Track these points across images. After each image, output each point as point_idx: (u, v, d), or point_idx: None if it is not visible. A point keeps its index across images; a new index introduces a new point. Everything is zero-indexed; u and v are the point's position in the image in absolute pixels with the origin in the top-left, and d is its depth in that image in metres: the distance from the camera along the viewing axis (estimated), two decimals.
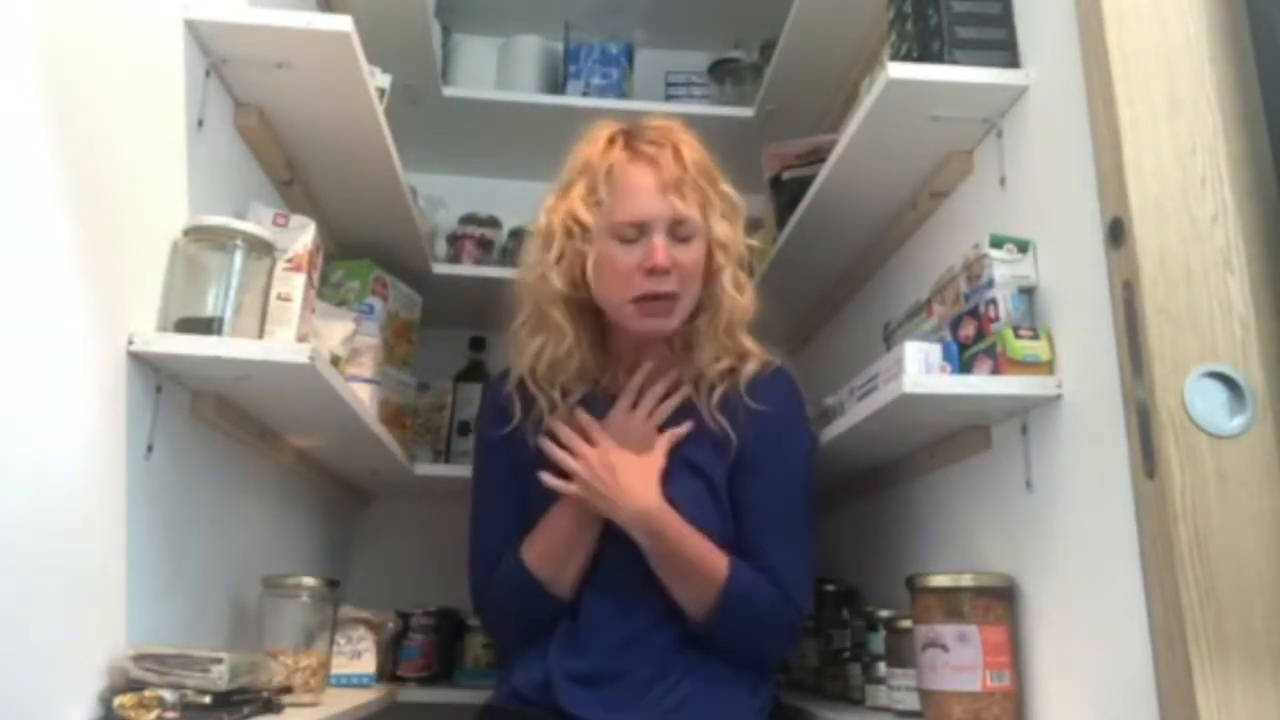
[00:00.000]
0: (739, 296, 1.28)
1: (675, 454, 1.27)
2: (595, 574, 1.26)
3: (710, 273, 1.28)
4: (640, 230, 1.23)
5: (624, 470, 1.20)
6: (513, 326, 1.33)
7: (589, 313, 1.31)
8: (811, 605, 1.27)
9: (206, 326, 1.10)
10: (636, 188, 1.23)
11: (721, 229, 1.26)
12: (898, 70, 1.25)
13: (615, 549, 1.24)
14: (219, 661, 1.01)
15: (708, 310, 1.29)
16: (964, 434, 1.32)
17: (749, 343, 1.30)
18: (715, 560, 1.20)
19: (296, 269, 1.26)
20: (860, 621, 1.49)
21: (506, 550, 1.29)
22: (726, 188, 1.31)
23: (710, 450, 1.28)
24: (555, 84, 2.41)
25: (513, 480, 1.32)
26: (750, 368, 1.29)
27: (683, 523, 1.20)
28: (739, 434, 1.26)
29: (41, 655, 0.90)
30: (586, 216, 1.24)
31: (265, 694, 1.11)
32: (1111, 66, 0.99)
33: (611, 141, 1.28)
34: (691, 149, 1.27)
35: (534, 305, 1.30)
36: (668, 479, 1.25)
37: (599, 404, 1.32)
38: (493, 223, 2.25)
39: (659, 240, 1.22)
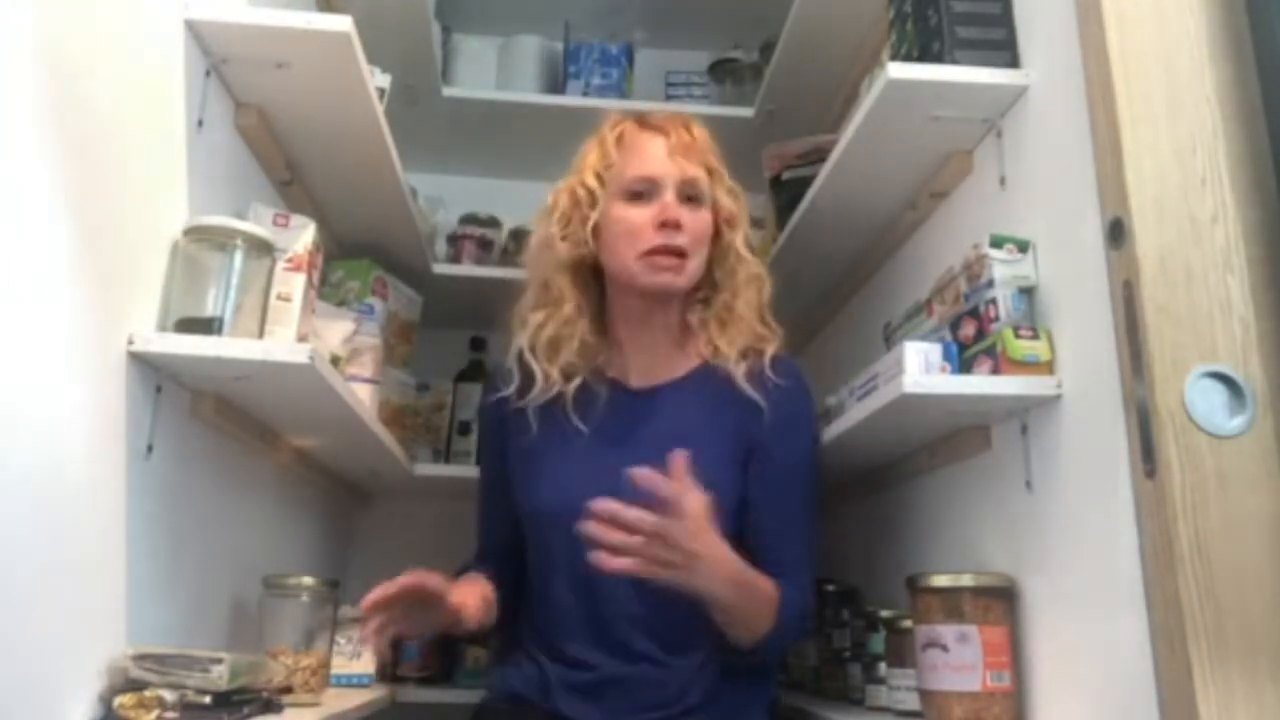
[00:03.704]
0: (750, 271, 1.30)
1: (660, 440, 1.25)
2: (596, 587, 1.22)
3: (719, 248, 1.29)
4: (651, 186, 1.25)
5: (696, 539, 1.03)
6: (517, 307, 1.33)
7: (592, 286, 1.32)
8: (813, 619, 1.29)
9: (206, 326, 1.10)
10: (647, 149, 1.27)
11: (727, 201, 1.29)
12: (898, 70, 1.25)
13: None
14: (219, 661, 1.01)
15: (724, 289, 1.30)
16: (964, 434, 1.32)
17: (765, 323, 1.31)
18: (769, 590, 1.16)
19: (296, 269, 1.26)
20: (860, 621, 1.49)
21: (487, 545, 1.38)
22: (729, 178, 1.33)
23: (733, 423, 1.26)
24: (555, 84, 2.41)
25: (502, 465, 1.34)
26: (770, 348, 1.29)
27: (746, 566, 1.12)
28: (745, 414, 1.25)
29: (41, 655, 0.90)
30: (594, 182, 1.28)
31: (265, 694, 1.11)
32: (1111, 66, 0.99)
33: (623, 118, 1.33)
34: (701, 131, 1.31)
35: (539, 278, 1.31)
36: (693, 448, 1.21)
37: (598, 389, 1.30)
38: (493, 223, 2.25)
39: (670, 197, 1.24)
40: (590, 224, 1.27)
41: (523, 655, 1.28)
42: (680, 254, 1.24)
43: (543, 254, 1.30)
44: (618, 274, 1.28)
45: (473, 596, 1.24)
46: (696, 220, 1.26)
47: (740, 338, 1.28)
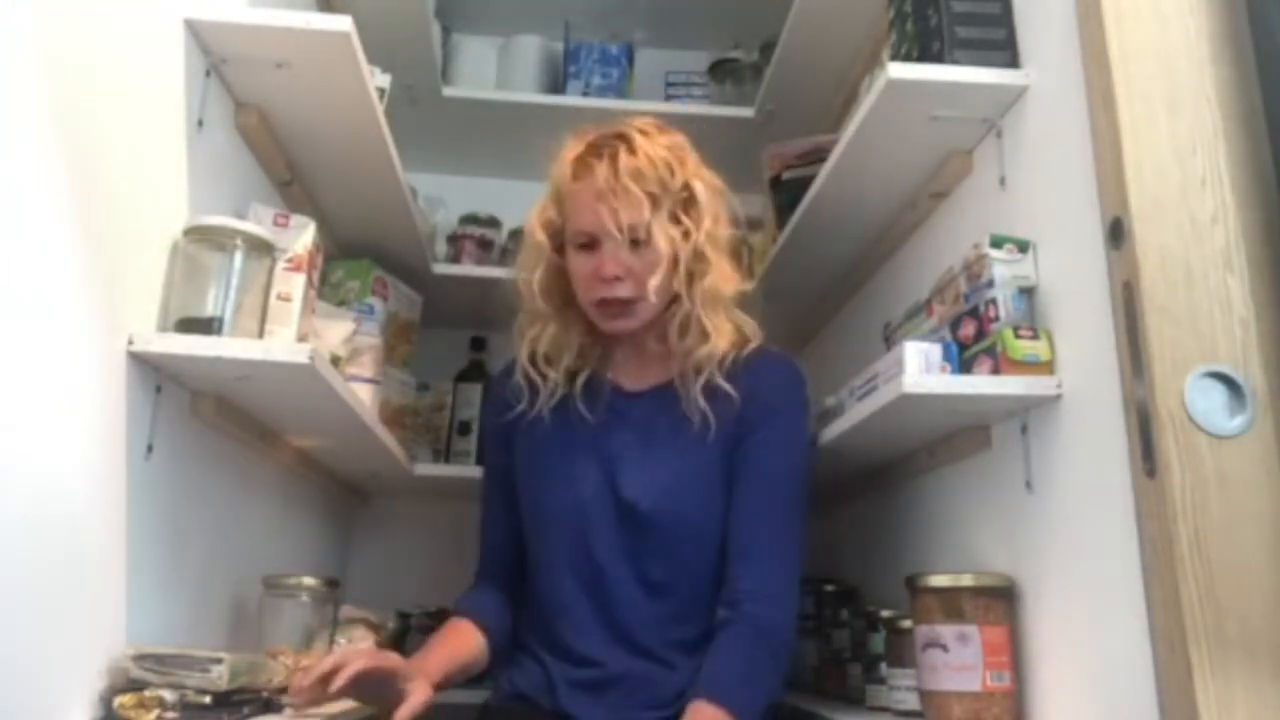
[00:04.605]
0: (700, 285, 1.26)
1: (656, 437, 1.27)
2: (604, 584, 1.24)
3: (679, 266, 1.25)
4: (591, 240, 1.25)
5: None
6: (516, 322, 1.35)
7: (577, 305, 1.32)
8: (796, 608, 1.23)
9: (206, 326, 1.10)
10: (578, 201, 1.26)
11: (667, 232, 1.23)
12: (898, 70, 1.25)
13: (610, 559, 1.23)
14: (219, 661, 1.01)
15: (679, 299, 1.28)
16: (964, 434, 1.32)
17: (718, 323, 1.27)
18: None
19: (296, 269, 1.26)
20: (860, 621, 1.49)
21: (492, 560, 1.37)
22: (691, 180, 1.27)
23: (694, 433, 1.25)
24: (555, 84, 2.41)
25: (509, 475, 1.34)
26: (716, 349, 1.25)
27: None
28: (717, 418, 1.24)
29: (42, 655, 0.90)
30: (542, 235, 1.29)
31: (265, 694, 1.11)
32: (1111, 66, 0.99)
33: (568, 155, 1.29)
34: (634, 155, 1.23)
35: (529, 297, 1.32)
36: (646, 464, 1.25)
37: (601, 387, 1.32)
38: (493, 223, 2.26)
39: (607, 250, 1.23)
40: (557, 268, 1.30)
41: (525, 654, 1.28)
42: (625, 303, 1.25)
43: (524, 285, 1.32)
44: (586, 310, 1.30)
45: (440, 659, 1.22)
46: (642, 263, 1.23)
47: (696, 345, 1.26)
